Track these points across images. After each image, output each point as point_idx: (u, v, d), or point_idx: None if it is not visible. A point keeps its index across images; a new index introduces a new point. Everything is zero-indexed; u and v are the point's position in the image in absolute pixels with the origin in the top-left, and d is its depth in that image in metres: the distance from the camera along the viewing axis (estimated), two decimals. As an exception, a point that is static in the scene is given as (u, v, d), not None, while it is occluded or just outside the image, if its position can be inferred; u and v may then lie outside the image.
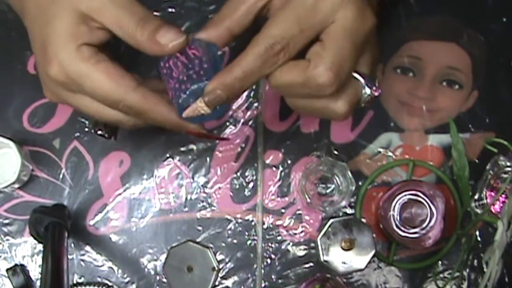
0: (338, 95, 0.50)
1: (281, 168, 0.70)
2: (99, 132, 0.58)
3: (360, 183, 0.70)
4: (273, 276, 0.69)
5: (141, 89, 0.49)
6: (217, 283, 0.68)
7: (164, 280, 0.68)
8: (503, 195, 0.68)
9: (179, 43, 0.48)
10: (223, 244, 0.69)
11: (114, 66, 0.49)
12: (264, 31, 0.48)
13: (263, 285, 0.69)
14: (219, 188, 0.70)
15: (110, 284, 0.69)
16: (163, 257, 0.68)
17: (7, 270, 0.68)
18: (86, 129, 0.70)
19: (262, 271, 0.69)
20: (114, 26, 0.49)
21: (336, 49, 0.48)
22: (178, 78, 0.49)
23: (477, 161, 0.70)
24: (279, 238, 0.69)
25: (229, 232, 0.69)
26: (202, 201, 0.70)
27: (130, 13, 0.48)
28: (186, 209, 0.70)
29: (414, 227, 0.65)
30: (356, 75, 0.51)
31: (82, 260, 0.69)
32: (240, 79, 0.48)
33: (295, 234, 0.69)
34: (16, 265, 0.68)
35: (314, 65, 0.48)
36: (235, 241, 0.69)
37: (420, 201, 0.65)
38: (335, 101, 0.51)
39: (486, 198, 0.69)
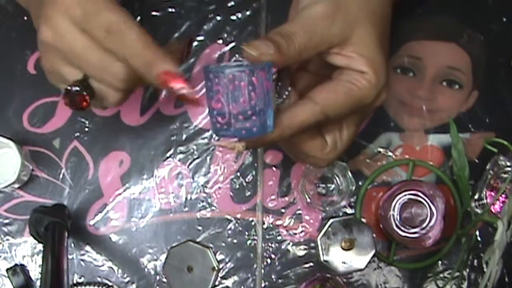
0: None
1: (281, 168, 0.70)
2: (75, 89, 0.51)
3: (360, 183, 0.70)
4: (273, 276, 0.69)
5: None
6: (217, 283, 0.68)
7: (164, 280, 0.68)
8: (503, 195, 0.68)
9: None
10: (223, 244, 0.69)
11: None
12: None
13: (263, 285, 0.69)
14: (219, 188, 0.70)
15: (110, 284, 0.69)
16: (163, 257, 0.68)
17: (7, 270, 0.68)
18: (86, 129, 0.70)
19: (262, 271, 0.69)
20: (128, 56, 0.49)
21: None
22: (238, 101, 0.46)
23: (477, 161, 0.70)
24: (279, 238, 0.69)
25: (229, 232, 0.69)
26: (202, 201, 0.70)
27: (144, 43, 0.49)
28: (186, 209, 0.70)
29: (414, 227, 0.65)
30: None
31: (82, 260, 0.69)
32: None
33: (295, 234, 0.69)
34: (16, 265, 0.68)
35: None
36: (235, 241, 0.69)
37: (420, 201, 0.65)
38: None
39: (486, 198, 0.69)
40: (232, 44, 0.70)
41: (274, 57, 0.48)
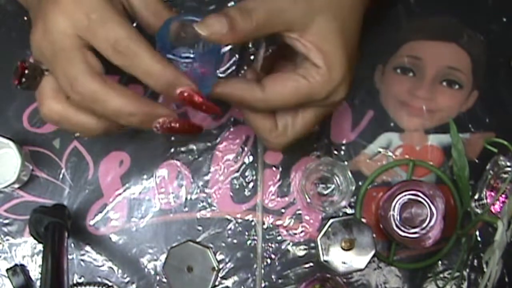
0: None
1: (281, 168, 0.70)
2: (23, 80, 0.51)
3: (360, 183, 0.70)
4: (273, 276, 0.69)
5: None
6: (217, 283, 0.68)
7: (164, 280, 0.68)
8: (503, 195, 0.68)
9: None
10: (223, 244, 0.69)
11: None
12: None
13: (263, 285, 0.69)
14: (219, 188, 0.70)
15: (110, 284, 0.69)
16: (163, 257, 0.68)
17: (7, 270, 0.68)
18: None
19: (262, 271, 0.69)
20: (140, 2, 0.52)
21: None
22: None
23: (477, 161, 0.70)
24: (279, 238, 0.69)
25: (229, 232, 0.69)
26: (202, 201, 0.70)
27: None
28: (186, 209, 0.70)
29: (414, 227, 0.65)
30: None
31: (82, 260, 0.69)
32: None
33: (295, 234, 0.69)
34: (16, 265, 0.68)
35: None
36: (235, 241, 0.69)
37: (420, 201, 0.65)
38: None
39: (486, 198, 0.69)
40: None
41: (226, 37, 0.49)
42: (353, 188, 0.67)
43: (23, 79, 0.51)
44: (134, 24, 0.52)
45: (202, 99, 0.50)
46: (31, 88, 0.52)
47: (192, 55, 0.50)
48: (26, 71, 0.50)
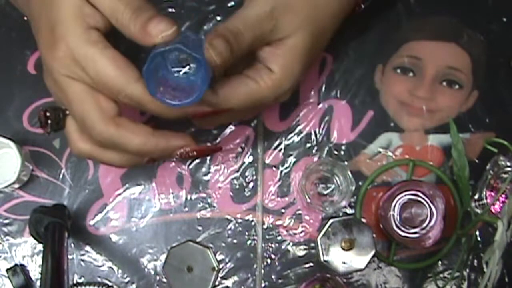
0: None
1: (281, 168, 0.70)
2: (47, 112, 0.53)
3: (360, 183, 0.70)
4: (273, 276, 0.69)
5: (142, 81, 0.49)
6: (217, 283, 0.68)
7: (164, 280, 0.68)
8: (503, 195, 0.68)
9: (168, 35, 0.48)
10: (223, 244, 0.69)
11: (120, 55, 0.50)
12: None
13: (263, 285, 0.69)
14: (219, 188, 0.70)
15: (110, 284, 0.69)
16: (163, 257, 0.68)
17: (7, 270, 0.68)
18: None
19: (262, 271, 0.69)
20: (110, 15, 0.49)
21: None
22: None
23: (477, 161, 0.70)
24: (279, 238, 0.69)
25: (229, 232, 0.69)
26: (202, 201, 0.70)
27: (125, 2, 0.48)
28: (186, 209, 0.70)
29: (414, 227, 0.65)
30: None
31: (82, 260, 0.69)
32: None
33: (295, 234, 0.69)
34: (16, 265, 0.68)
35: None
36: (235, 241, 0.69)
37: (420, 201, 0.65)
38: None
39: (486, 198, 0.69)
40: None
41: (227, 63, 0.50)
42: (353, 188, 0.67)
43: (49, 127, 0.53)
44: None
45: (199, 150, 0.53)
46: (59, 129, 0.54)
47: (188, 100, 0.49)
48: (49, 120, 0.53)
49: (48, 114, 0.52)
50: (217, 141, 0.70)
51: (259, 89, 0.53)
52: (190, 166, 0.70)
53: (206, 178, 0.70)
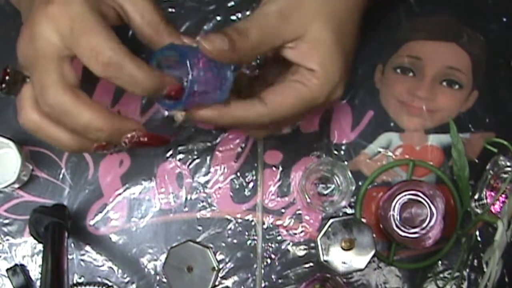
0: None
1: (281, 168, 0.70)
2: (3, 85, 0.51)
3: (360, 183, 0.70)
4: (273, 276, 0.69)
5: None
6: (217, 283, 0.68)
7: (164, 280, 0.68)
8: (503, 195, 0.68)
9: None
10: (223, 244, 0.69)
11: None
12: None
13: (263, 285, 0.69)
14: (219, 188, 0.70)
15: (110, 284, 0.69)
16: (163, 257, 0.68)
17: (7, 270, 0.68)
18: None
19: (262, 271, 0.69)
20: (135, 11, 0.51)
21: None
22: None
23: (477, 161, 0.70)
24: (279, 238, 0.69)
25: (229, 232, 0.69)
26: (202, 201, 0.70)
27: (155, 7, 0.51)
28: (186, 209, 0.70)
29: (414, 227, 0.65)
30: None
31: (82, 260, 0.69)
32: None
33: (295, 234, 0.69)
34: (16, 265, 0.68)
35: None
36: (235, 241, 0.69)
37: (420, 201, 0.65)
38: None
39: (486, 198, 0.69)
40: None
41: (226, 55, 0.49)
42: (353, 188, 0.67)
43: (3, 85, 0.50)
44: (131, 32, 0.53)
45: (148, 135, 0.52)
46: (11, 93, 0.51)
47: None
48: (7, 77, 0.50)
49: (8, 71, 0.50)
50: (217, 141, 0.70)
51: (309, 90, 0.52)
52: (190, 166, 0.70)
53: (206, 178, 0.70)
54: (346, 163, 0.70)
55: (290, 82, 0.53)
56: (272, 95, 0.52)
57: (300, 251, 0.69)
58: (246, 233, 0.69)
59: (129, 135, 0.50)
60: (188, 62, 0.49)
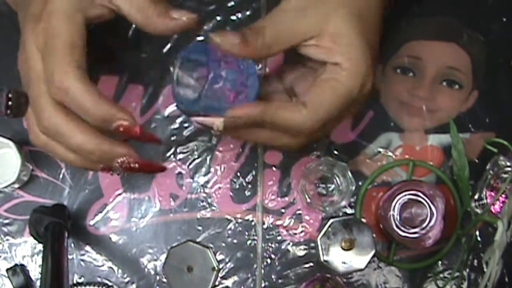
0: None
1: (281, 168, 0.70)
2: (8, 111, 0.52)
3: (360, 183, 0.70)
4: (273, 276, 0.69)
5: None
6: (217, 283, 0.68)
7: (164, 280, 0.68)
8: (503, 195, 0.68)
9: (192, 18, 0.49)
10: (223, 244, 0.69)
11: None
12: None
13: (263, 285, 0.69)
14: (219, 188, 0.70)
15: (110, 284, 0.69)
16: (163, 257, 0.68)
17: (7, 270, 0.68)
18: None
19: (262, 271, 0.69)
20: (124, 0, 0.50)
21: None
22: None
23: (477, 161, 0.70)
24: (279, 238, 0.69)
25: (229, 232, 0.69)
26: (202, 201, 0.70)
27: None
28: (186, 209, 0.70)
29: (414, 227, 0.65)
30: None
31: (82, 260, 0.69)
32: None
33: (295, 234, 0.69)
34: (16, 265, 0.68)
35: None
36: (235, 241, 0.69)
37: (420, 201, 0.65)
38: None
39: (486, 198, 0.69)
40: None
41: (239, 48, 0.49)
42: (353, 188, 0.67)
43: (8, 110, 0.51)
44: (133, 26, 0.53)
45: (139, 131, 0.50)
46: (18, 116, 0.52)
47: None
48: (10, 102, 0.51)
49: (10, 96, 0.51)
50: (217, 140, 0.70)
51: (341, 84, 0.50)
52: (190, 166, 0.70)
53: (206, 178, 0.70)
54: (346, 163, 0.70)
55: (322, 82, 0.51)
56: (310, 95, 0.51)
57: (300, 251, 0.69)
58: (246, 233, 0.69)
59: (119, 160, 0.50)
60: (207, 57, 0.49)
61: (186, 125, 0.70)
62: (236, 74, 0.51)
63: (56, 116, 0.48)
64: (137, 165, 0.51)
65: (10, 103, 0.51)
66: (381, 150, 0.70)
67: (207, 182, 0.70)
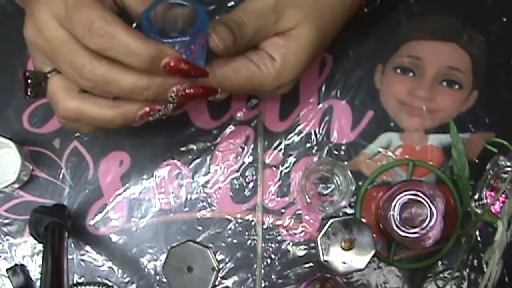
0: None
1: (281, 168, 0.70)
2: (28, 90, 0.51)
3: (360, 183, 0.70)
4: (273, 276, 0.69)
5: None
6: (217, 283, 0.68)
7: (164, 280, 0.68)
8: (503, 195, 0.68)
9: None
10: (223, 244, 0.69)
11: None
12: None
13: (263, 285, 0.69)
14: (219, 188, 0.70)
15: (110, 284, 0.69)
16: (163, 257, 0.68)
17: (7, 270, 0.68)
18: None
19: (262, 271, 0.69)
20: None
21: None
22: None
23: (477, 161, 0.70)
24: (279, 238, 0.69)
25: (229, 232, 0.69)
26: (202, 201, 0.70)
27: None
28: (186, 209, 0.70)
29: (414, 227, 0.65)
30: None
31: (82, 260, 0.69)
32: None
33: (295, 234, 0.69)
34: (16, 265, 0.68)
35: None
36: (235, 241, 0.69)
37: (420, 201, 0.65)
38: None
39: (486, 198, 0.69)
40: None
41: (229, 51, 0.50)
42: (353, 188, 0.67)
43: (29, 90, 0.51)
44: (134, 25, 0.53)
45: (188, 65, 0.48)
46: (39, 95, 0.51)
47: (186, 38, 0.49)
48: (29, 81, 0.50)
49: (28, 75, 0.50)
50: (217, 141, 0.70)
51: (261, 75, 0.53)
52: (190, 166, 0.70)
53: (206, 178, 0.70)
54: (346, 163, 0.70)
55: (247, 61, 0.53)
56: (225, 68, 0.53)
57: (300, 251, 0.69)
58: (246, 233, 0.69)
59: (174, 89, 0.49)
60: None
61: (186, 125, 0.70)
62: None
63: (102, 66, 0.47)
64: (192, 90, 0.50)
65: (29, 81, 0.50)
66: (381, 150, 0.70)
67: (207, 182, 0.70)
